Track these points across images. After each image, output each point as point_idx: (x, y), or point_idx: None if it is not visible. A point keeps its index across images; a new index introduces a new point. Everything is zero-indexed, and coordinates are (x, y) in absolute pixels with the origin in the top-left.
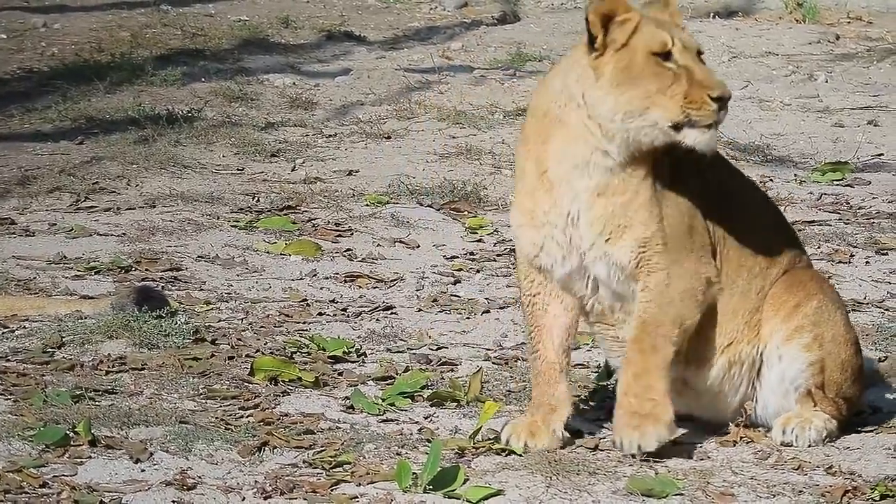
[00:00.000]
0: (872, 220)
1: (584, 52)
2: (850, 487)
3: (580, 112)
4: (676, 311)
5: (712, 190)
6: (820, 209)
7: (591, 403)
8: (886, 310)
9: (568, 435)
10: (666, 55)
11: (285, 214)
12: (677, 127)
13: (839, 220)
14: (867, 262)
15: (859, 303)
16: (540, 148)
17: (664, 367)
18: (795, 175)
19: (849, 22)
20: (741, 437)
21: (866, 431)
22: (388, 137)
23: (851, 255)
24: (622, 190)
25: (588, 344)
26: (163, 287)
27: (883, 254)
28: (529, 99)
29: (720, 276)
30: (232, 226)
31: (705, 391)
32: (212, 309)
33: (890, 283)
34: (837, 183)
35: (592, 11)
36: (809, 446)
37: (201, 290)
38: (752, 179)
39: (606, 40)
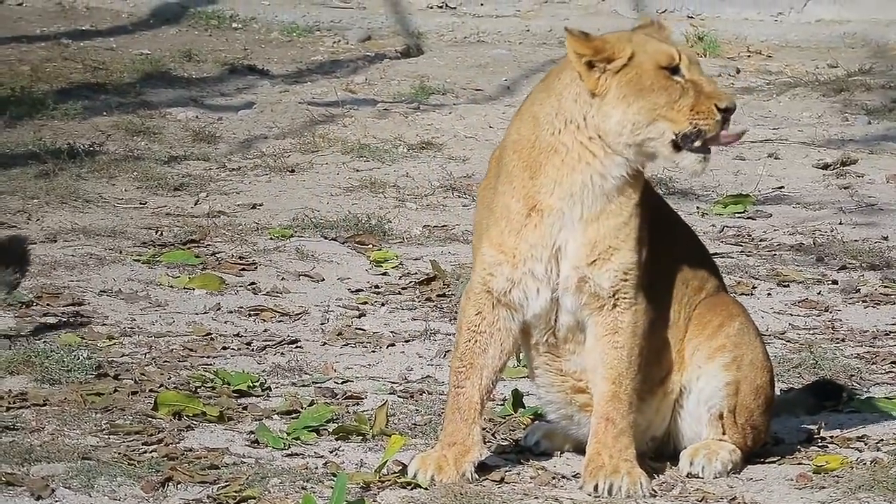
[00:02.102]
0: (774, 253)
1: (576, 76)
2: None
3: (580, 134)
4: (641, 347)
5: (653, 221)
6: (722, 241)
7: (496, 436)
8: (788, 341)
9: (477, 476)
10: (674, 69)
11: (189, 248)
12: (677, 146)
13: (741, 252)
14: (769, 294)
15: (761, 334)
16: (529, 183)
17: (633, 422)
18: (698, 208)
19: (749, 56)
20: (646, 469)
21: (769, 462)
22: (292, 171)
23: (753, 287)
24: (617, 213)
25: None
26: (65, 322)
27: (784, 286)
28: (506, 137)
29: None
30: (135, 260)
31: (638, 425)
32: (115, 344)
33: (791, 315)
34: (739, 215)
35: (574, 54)
36: (715, 478)
37: (104, 324)
38: (674, 209)
39: (598, 67)
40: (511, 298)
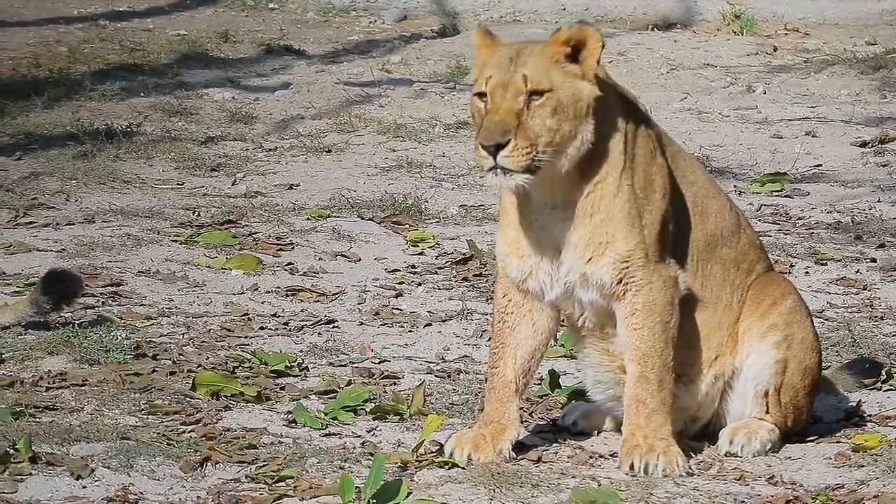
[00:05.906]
0: (812, 231)
1: None
2: (791, 497)
3: None
4: (665, 323)
5: (696, 203)
6: (760, 220)
7: (534, 415)
8: (826, 320)
9: (514, 455)
10: (480, 95)
11: (226, 229)
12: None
13: (779, 230)
14: (807, 273)
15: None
16: None
17: (670, 399)
18: (735, 186)
19: (786, 33)
20: (684, 448)
21: (807, 441)
22: (329, 151)
23: (791, 266)
24: (595, 209)
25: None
26: (103, 302)
27: (822, 264)
28: None
29: (697, 286)
30: (172, 240)
31: (688, 407)
32: (153, 324)
33: (829, 294)
34: (777, 194)
35: None
36: (754, 457)
37: (142, 305)
38: (724, 190)
39: None
40: (528, 287)
